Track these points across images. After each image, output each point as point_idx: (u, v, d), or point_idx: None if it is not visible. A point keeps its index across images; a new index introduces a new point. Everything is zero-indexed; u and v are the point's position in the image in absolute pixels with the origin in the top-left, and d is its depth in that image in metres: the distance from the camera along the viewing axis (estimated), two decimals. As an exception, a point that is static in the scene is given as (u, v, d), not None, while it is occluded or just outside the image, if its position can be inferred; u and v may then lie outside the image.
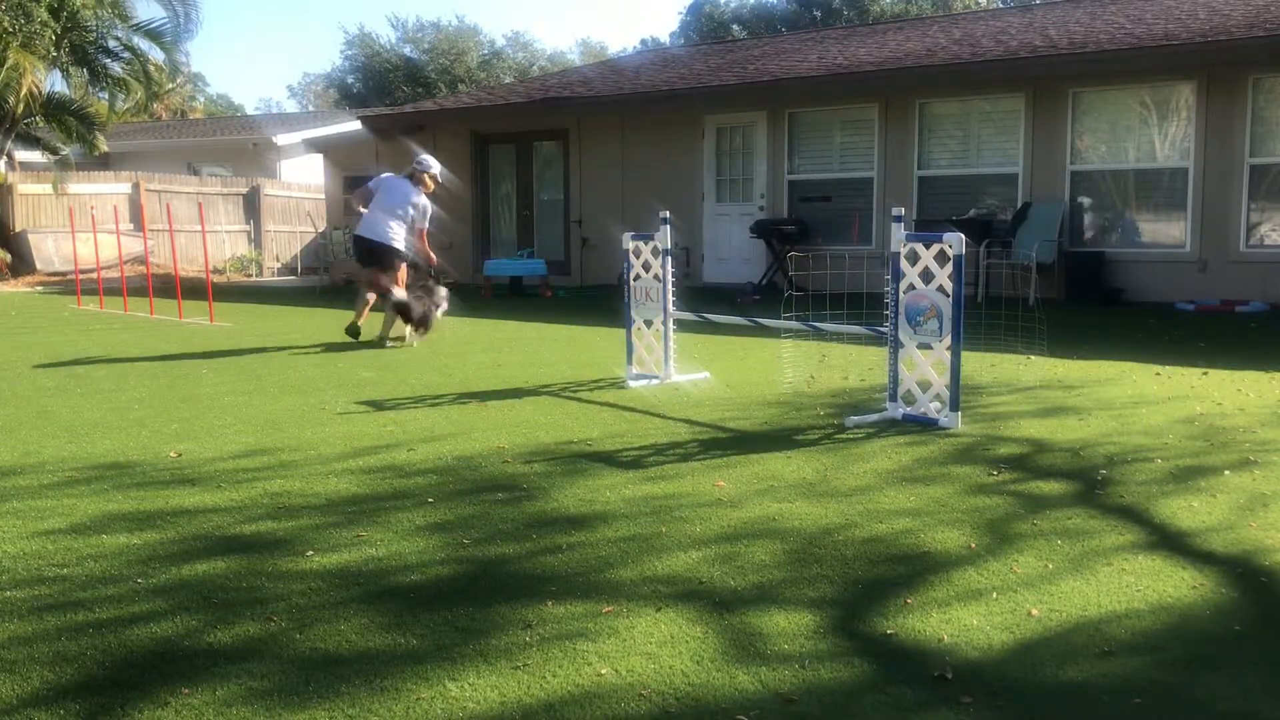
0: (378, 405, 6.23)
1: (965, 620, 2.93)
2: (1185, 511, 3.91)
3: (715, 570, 3.35)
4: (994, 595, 3.11)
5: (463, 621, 2.95)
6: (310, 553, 3.53)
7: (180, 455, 4.96)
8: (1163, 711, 2.45)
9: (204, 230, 14.01)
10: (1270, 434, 5.17)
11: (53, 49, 19.58)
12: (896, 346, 5.64)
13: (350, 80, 46.17)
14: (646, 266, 7.13)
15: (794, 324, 6.69)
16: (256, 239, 23.19)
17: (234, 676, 2.62)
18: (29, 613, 3.04)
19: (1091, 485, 4.30)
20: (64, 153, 20.62)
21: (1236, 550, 3.50)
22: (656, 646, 2.78)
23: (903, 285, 5.57)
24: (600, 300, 13.21)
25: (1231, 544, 3.56)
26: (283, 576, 3.32)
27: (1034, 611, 2.99)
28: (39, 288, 17.85)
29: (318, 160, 21.19)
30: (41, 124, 20.37)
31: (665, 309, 7.03)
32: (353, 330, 9.25)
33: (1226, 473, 4.46)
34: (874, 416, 5.65)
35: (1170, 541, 3.60)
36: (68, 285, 16.76)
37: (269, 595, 3.16)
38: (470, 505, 4.10)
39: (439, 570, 3.39)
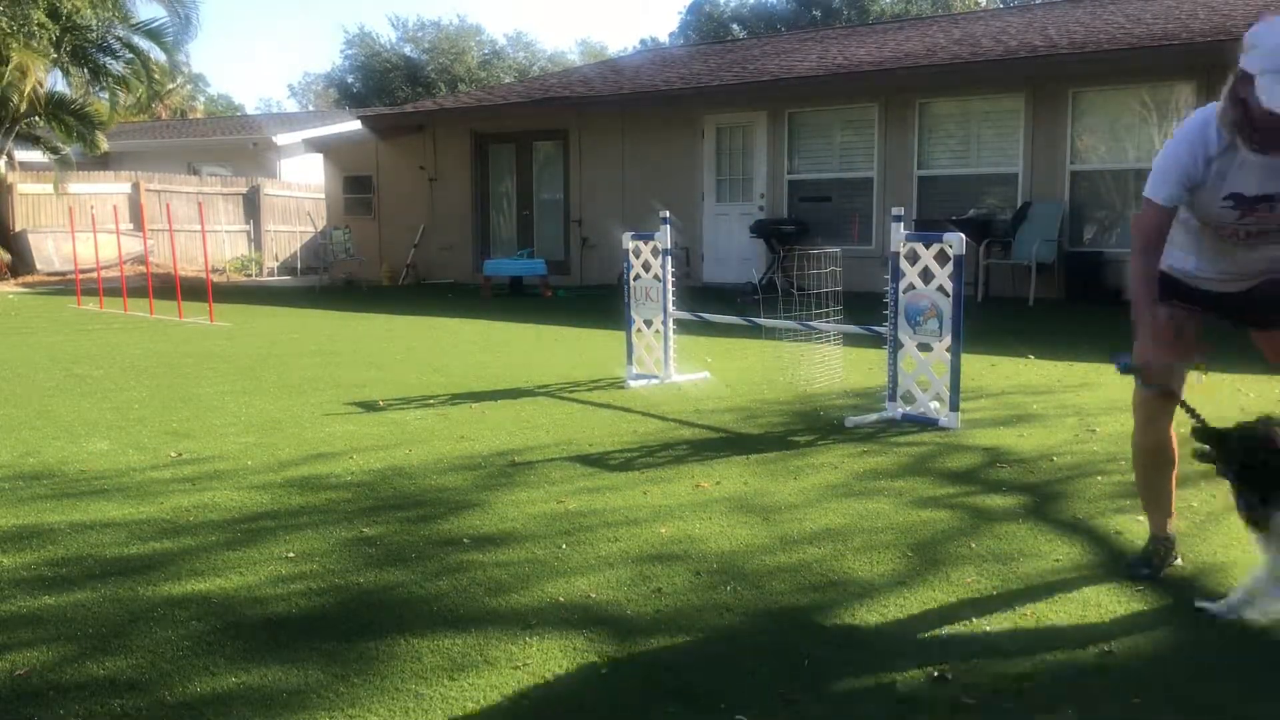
0: (368, 407, 6.23)
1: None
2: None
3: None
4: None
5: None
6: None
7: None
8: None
9: (204, 230, 14.00)
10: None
11: (52, 49, 19.58)
12: (896, 346, 5.64)
13: (350, 80, 46.14)
14: (646, 266, 7.13)
15: (792, 324, 6.69)
16: (256, 239, 23.18)
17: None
18: None
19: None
20: (64, 152, 20.61)
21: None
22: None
23: (902, 285, 5.57)
24: (600, 300, 13.20)
25: (1180, 562, 3.34)
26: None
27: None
28: (39, 288, 17.85)
29: (318, 160, 21.20)
30: (41, 123, 20.37)
31: (665, 309, 7.03)
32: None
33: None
34: (873, 416, 5.64)
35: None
36: (68, 285, 16.76)
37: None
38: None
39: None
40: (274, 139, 25.06)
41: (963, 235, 5.38)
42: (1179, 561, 3.33)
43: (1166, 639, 2.84)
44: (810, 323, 6.61)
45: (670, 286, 7.04)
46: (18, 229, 19.79)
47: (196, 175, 24.76)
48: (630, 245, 7.20)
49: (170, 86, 31.44)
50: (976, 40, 14.68)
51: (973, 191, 13.60)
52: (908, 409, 5.64)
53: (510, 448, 5.08)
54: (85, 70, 20.89)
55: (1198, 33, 12.21)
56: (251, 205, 23.20)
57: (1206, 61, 11.83)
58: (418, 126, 18.54)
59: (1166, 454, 3.39)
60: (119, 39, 20.92)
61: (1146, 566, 3.28)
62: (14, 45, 18.23)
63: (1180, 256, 3.26)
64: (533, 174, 17.71)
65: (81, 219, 17.21)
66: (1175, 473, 3.39)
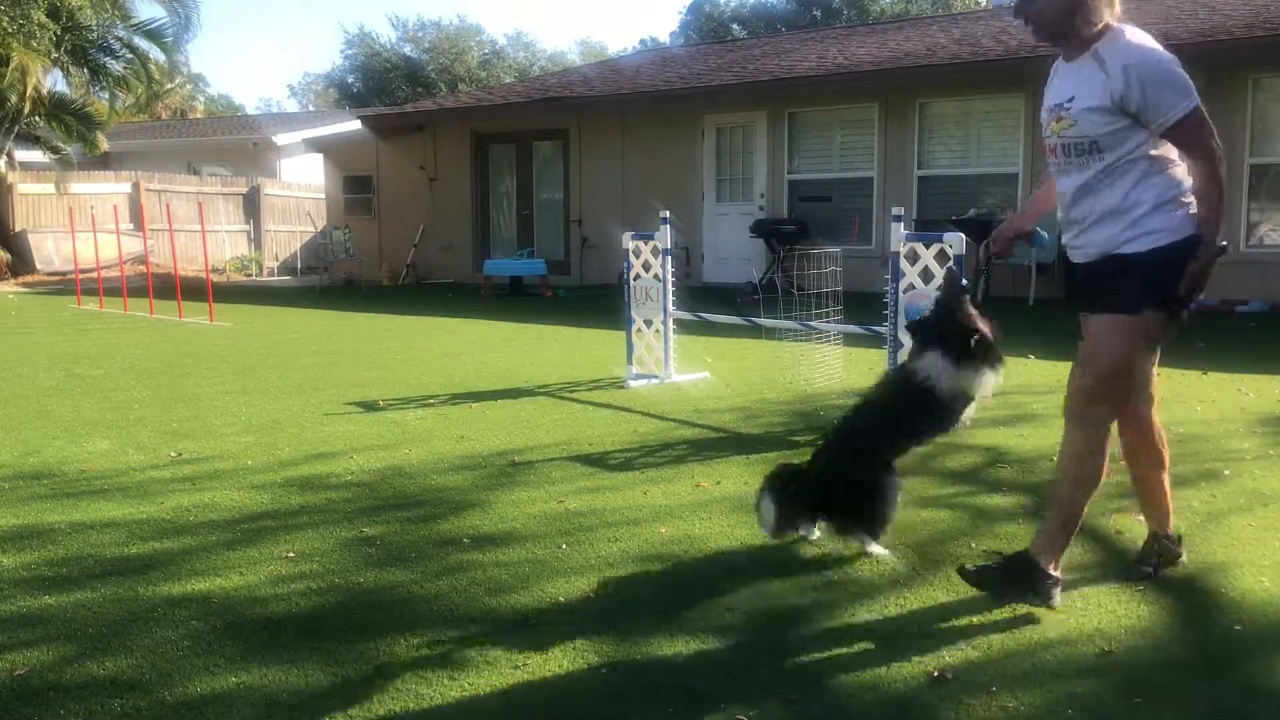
0: (369, 406, 6.22)
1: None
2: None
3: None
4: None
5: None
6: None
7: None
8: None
9: (204, 230, 14.00)
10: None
11: (53, 49, 19.59)
12: (896, 346, 5.64)
13: (350, 80, 46.13)
14: (646, 266, 7.12)
15: (792, 324, 6.69)
16: (256, 239, 23.19)
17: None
18: None
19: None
20: (65, 152, 20.63)
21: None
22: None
23: (902, 285, 5.57)
24: (600, 300, 13.20)
25: (1180, 562, 3.32)
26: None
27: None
28: (39, 288, 17.85)
29: (318, 160, 21.20)
30: (42, 123, 20.38)
31: (665, 309, 7.02)
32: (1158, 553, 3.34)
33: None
34: (874, 416, 5.63)
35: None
36: (67, 285, 16.76)
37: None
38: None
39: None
40: (274, 139, 25.07)
41: (963, 235, 5.37)
42: (1184, 560, 3.32)
43: (1166, 639, 2.84)
44: (810, 323, 6.61)
45: (670, 286, 7.04)
46: (18, 229, 19.80)
47: (196, 175, 24.76)
48: (630, 245, 7.20)
49: (170, 86, 31.45)
50: (976, 40, 14.68)
51: (973, 191, 13.60)
52: (908, 409, 5.63)
53: (510, 448, 5.08)
54: (85, 70, 20.90)
55: (1196, 32, 12.21)
56: (251, 205, 23.20)
57: (1205, 61, 11.84)
58: (418, 126, 18.54)
59: (1144, 450, 3.30)
60: (119, 39, 20.94)
61: (1147, 565, 3.28)
62: (14, 45, 18.24)
63: None
64: (533, 174, 17.71)
65: (81, 219, 17.21)
66: (1165, 472, 3.31)
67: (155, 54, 21.53)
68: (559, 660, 2.70)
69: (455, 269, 18.01)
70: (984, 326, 3.40)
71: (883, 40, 16.42)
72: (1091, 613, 2.98)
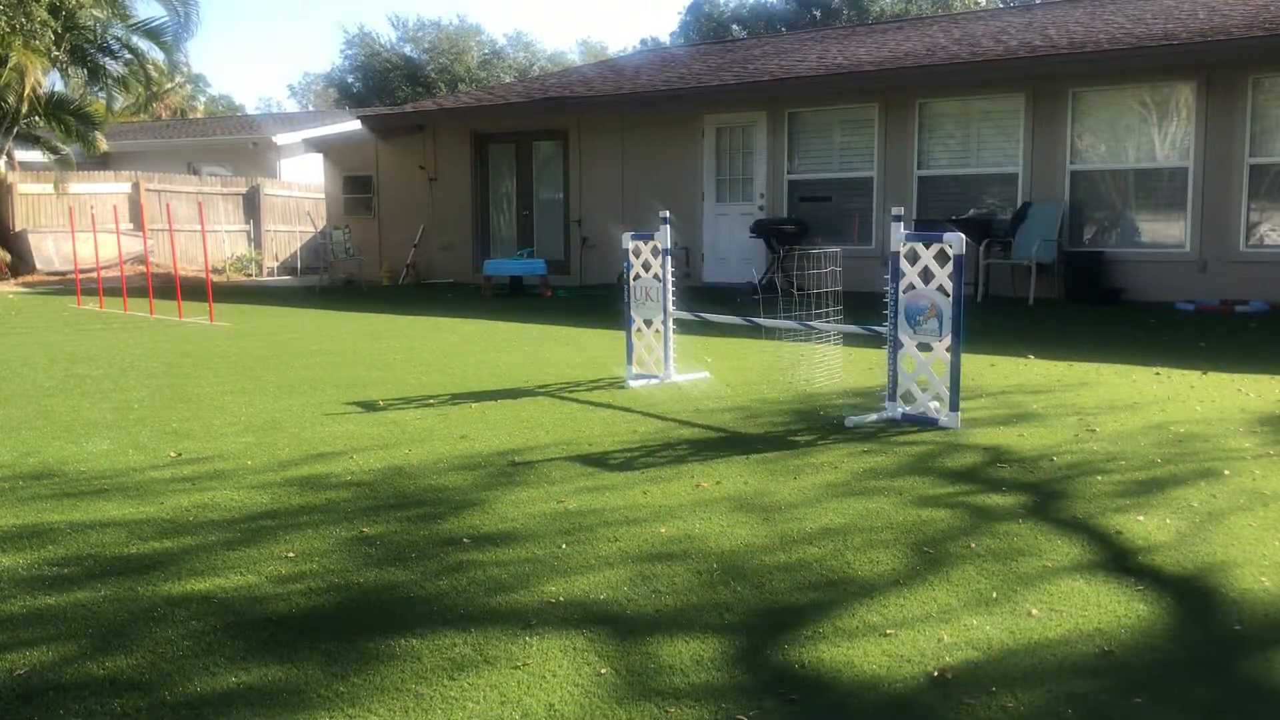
0: (369, 406, 6.22)
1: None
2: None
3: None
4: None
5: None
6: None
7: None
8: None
9: (204, 230, 14.00)
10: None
11: (53, 48, 19.59)
12: (896, 346, 5.64)
13: (350, 80, 46.15)
14: (646, 266, 7.13)
15: (792, 324, 6.69)
16: (256, 239, 23.19)
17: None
18: None
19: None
20: (64, 152, 20.62)
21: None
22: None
23: (902, 285, 5.57)
24: (600, 300, 13.20)
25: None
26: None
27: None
28: (39, 287, 17.85)
29: (318, 160, 21.20)
30: (41, 123, 20.38)
31: (665, 309, 7.02)
32: None
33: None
34: (873, 416, 5.64)
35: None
36: (68, 285, 16.76)
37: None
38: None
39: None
40: (274, 139, 25.06)
41: (963, 235, 5.37)
42: None
43: (1166, 639, 2.84)
44: (810, 323, 6.61)
45: (670, 286, 7.04)
46: (18, 229, 19.80)
47: (196, 175, 24.76)
48: (630, 245, 7.20)
49: (169, 86, 31.47)
50: (976, 40, 14.68)
51: (973, 191, 13.60)
52: (908, 409, 5.64)
53: (510, 448, 5.08)
54: (84, 70, 20.89)
55: (1198, 32, 12.21)
56: (251, 205, 23.20)
57: (1206, 61, 11.85)
58: (418, 126, 18.54)
59: None
60: (118, 38, 20.92)
61: None
62: (14, 45, 18.23)
63: None
64: (533, 174, 17.71)
65: (81, 219, 17.21)
66: None
67: (154, 53, 21.54)
68: (559, 660, 2.70)
69: (455, 269, 18.01)
70: None
71: (883, 40, 16.42)
72: (1091, 613, 2.98)
